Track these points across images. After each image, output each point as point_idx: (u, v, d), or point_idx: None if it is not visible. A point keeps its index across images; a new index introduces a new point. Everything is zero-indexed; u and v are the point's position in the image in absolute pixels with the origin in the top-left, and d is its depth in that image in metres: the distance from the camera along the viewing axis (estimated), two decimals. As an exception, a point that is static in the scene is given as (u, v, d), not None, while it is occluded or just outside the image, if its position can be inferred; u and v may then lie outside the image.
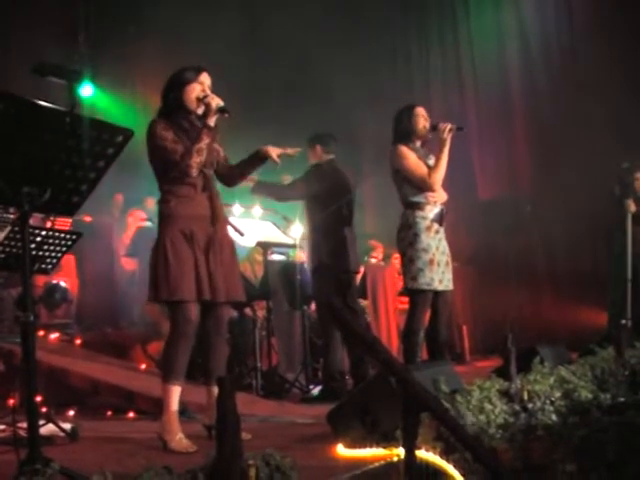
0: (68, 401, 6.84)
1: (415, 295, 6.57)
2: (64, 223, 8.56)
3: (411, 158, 6.59)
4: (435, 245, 6.56)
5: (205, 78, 5.22)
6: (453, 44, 14.08)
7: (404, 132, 6.70)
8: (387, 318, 10.43)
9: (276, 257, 9.13)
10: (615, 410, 3.63)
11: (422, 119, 6.67)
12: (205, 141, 5.03)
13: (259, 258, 9.04)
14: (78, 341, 8.69)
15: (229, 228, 6.02)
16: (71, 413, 6.54)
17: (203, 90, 5.17)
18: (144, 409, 6.66)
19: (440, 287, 6.56)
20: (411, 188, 6.61)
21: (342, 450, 3.95)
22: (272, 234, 8.27)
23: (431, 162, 6.67)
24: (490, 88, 13.16)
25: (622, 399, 4.34)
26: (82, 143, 3.47)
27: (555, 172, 11.76)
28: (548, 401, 4.23)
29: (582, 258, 11.69)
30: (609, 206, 9.66)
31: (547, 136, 12.22)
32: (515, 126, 13.24)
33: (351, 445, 3.88)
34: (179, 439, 4.87)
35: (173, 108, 5.21)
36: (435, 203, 6.65)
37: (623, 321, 7.86)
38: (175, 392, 5.05)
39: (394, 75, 14.29)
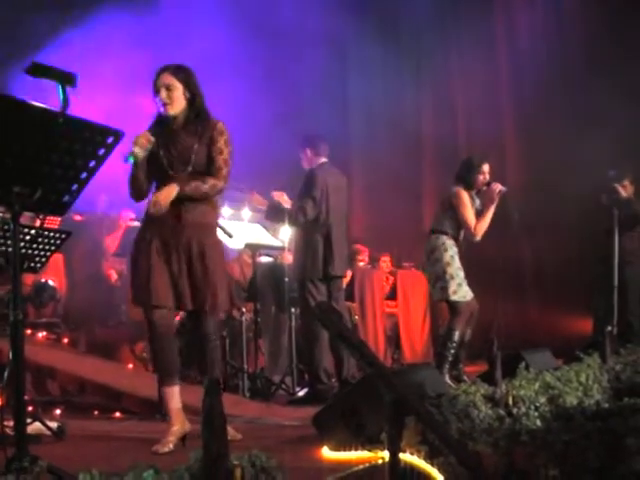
0: (55, 400, 6.84)
1: (457, 306, 7.67)
2: (53, 222, 8.55)
3: (469, 207, 7.75)
4: None
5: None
6: (443, 60, 14.12)
7: (468, 181, 7.84)
8: (374, 321, 10.44)
9: (264, 259, 9.15)
10: (599, 416, 3.65)
11: (483, 176, 7.84)
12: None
13: (248, 260, 9.05)
14: (65, 340, 8.70)
15: (217, 230, 6.01)
16: (58, 412, 6.54)
17: None
18: (131, 409, 6.68)
19: (469, 298, 7.74)
20: (453, 224, 7.78)
21: (327, 452, 3.98)
22: (261, 236, 8.29)
23: (476, 204, 7.87)
24: (479, 96, 13.18)
25: (606, 405, 4.36)
26: (74, 144, 3.48)
27: (543, 179, 11.81)
28: (533, 406, 4.24)
29: (569, 264, 11.72)
30: (596, 213, 9.70)
31: (536, 143, 12.27)
32: (504, 133, 13.28)
33: (336, 447, 3.90)
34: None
35: None
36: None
37: (609, 328, 7.88)
38: (167, 394, 5.09)
39: (385, 91, 14.27)
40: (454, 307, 7.71)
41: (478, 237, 7.81)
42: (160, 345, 5.16)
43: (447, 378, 7.29)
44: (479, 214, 7.82)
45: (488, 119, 12.98)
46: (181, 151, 5.13)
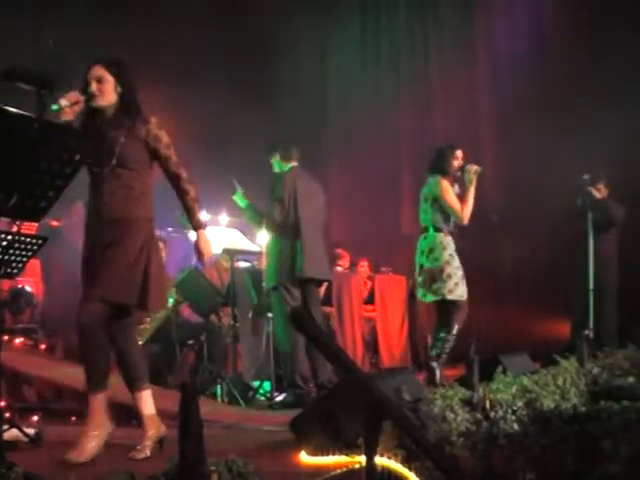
0: (32, 406, 6.80)
1: (457, 303, 7.70)
2: (30, 227, 8.50)
3: (451, 193, 7.77)
4: None
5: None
6: (423, 63, 14.18)
7: (443, 168, 7.84)
8: (352, 326, 10.44)
9: (242, 264, 9.14)
10: (576, 420, 3.66)
11: (457, 161, 7.87)
12: None
13: (226, 265, 9.03)
14: (43, 346, 8.64)
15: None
16: (35, 418, 6.50)
17: None
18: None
19: (465, 297, 7.78)
20: (443, 216, 7.76)
21: (305, 457, 3.97)
22: (238, 241, 8.27)
23: (456, 189, 7.86)
24: (458, 93, 13.23)
25: (583, 409, 4.38)
26: (50, 149, 3.46)
27: (522, 181, 11.85)
28: (510, 410, 4.25)
29: (546, 268, 11.75)
30: (573, 216, 9.74)
31: (514, 145, 12.31)
32: (481, 135, 13.32)
33: (314, 452, 3.90)
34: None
35: None
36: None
37: (586, 331, 7.92)
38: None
39: (363, 93, 14.28)
40: (453, 305, 7.70)
41: (465, 221, 7.80)
42: (84, 350, 5.20)
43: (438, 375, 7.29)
44: (460, 199, 7.83)
45: (468, 121, 13.04)
46: (106, 145, 4.97)
